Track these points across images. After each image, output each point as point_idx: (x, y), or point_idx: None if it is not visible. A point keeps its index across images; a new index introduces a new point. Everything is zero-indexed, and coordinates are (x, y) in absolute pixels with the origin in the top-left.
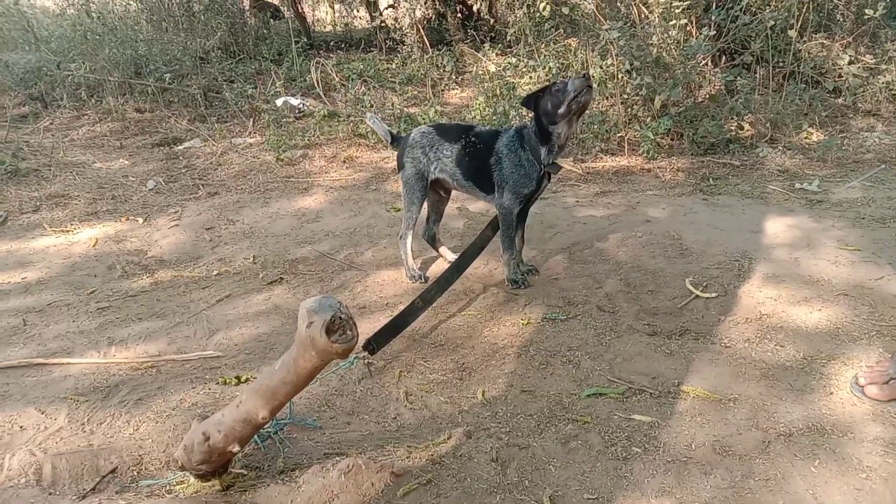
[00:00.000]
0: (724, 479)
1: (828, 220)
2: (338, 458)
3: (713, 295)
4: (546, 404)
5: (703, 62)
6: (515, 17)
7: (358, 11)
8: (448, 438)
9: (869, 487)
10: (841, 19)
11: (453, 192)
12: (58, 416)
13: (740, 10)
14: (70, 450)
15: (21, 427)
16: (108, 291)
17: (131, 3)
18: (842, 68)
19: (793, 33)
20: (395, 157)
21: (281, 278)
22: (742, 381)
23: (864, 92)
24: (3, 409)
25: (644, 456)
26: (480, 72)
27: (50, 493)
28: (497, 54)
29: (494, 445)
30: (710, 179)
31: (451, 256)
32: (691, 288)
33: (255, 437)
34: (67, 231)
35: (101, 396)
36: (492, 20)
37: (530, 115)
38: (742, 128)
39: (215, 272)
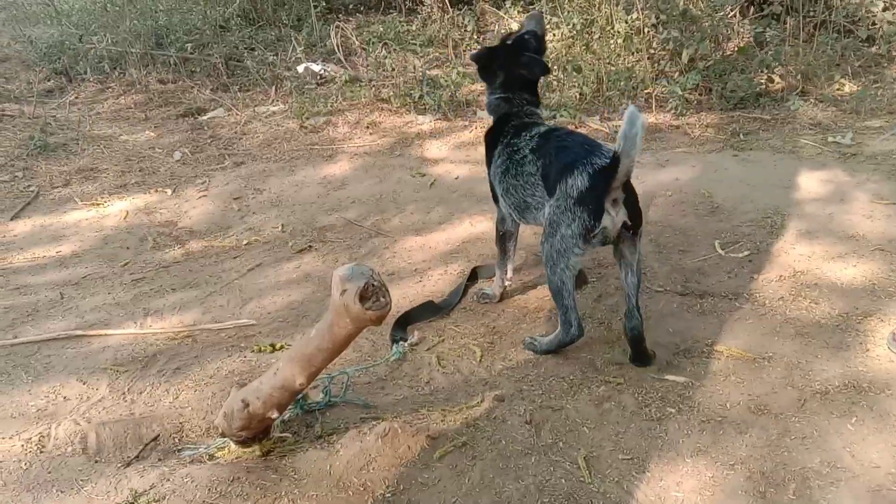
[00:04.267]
0: (759, 438)
1: (862, 174)
2: (374, 423)
3: (745, 253)
4: (578, 366)
5: (731, 14)
6: None
7: None
8: (481, 402)
9: None
10: None
11: None
12: (99, 386)
13: None
14: (113, 419)
15: (65, 398)
16: (142, 263)
17: None
18: (875, 15)
19: None
20: None
21: (310, 246)
22: (776, 340)
23: None
24: (47, 381)
25: (678, 416)
26: (503, 30)
27: (96, 461)
28: (519, 12)
29: (528, 408)
30: (741, 135)
31: None
32: (720, 251)
33: (299, 408)
34: (98, 204)
35: (139, 366)
36: None
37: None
38: (772, 80)
39: (245, 241)
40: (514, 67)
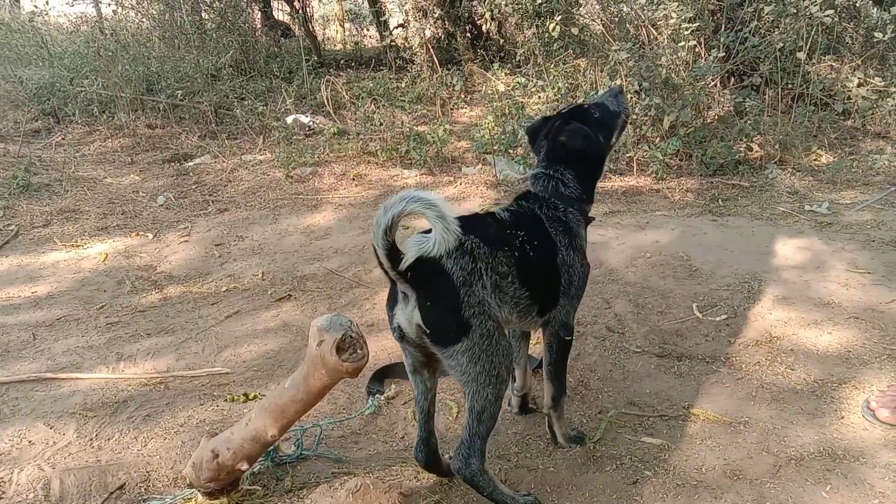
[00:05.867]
0: None
1: (838, 243)
2: (346, 478)
3: (723, 317)
4: None
5: (712, 83)
6: (525, 37)
7: (368, 30)
8: None
9: None
10: (850, 42)
11: None
12: (66, 431)
13: (749, 31)
14: (78, 465)
15: (30, 442)
16: (118, 307)
17: (144, 20)
18: (851, 90)
19: (802, 55)
20: None
21: (289, 295)
22: (753, 404)
23: (872, 114)
24: (13, 424)
25: (654, 479)
26: (489, 91)
27: None
28: (506, 74)
29: (503, 467)
30: (720, 200)
31: None
32: (698, 314)
33: (270, 460)
34: (78, 246)
35: (109, 412)
36: (501, 40)
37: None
38: (751, 149)
39: (224, 288)
40: (557, 136)
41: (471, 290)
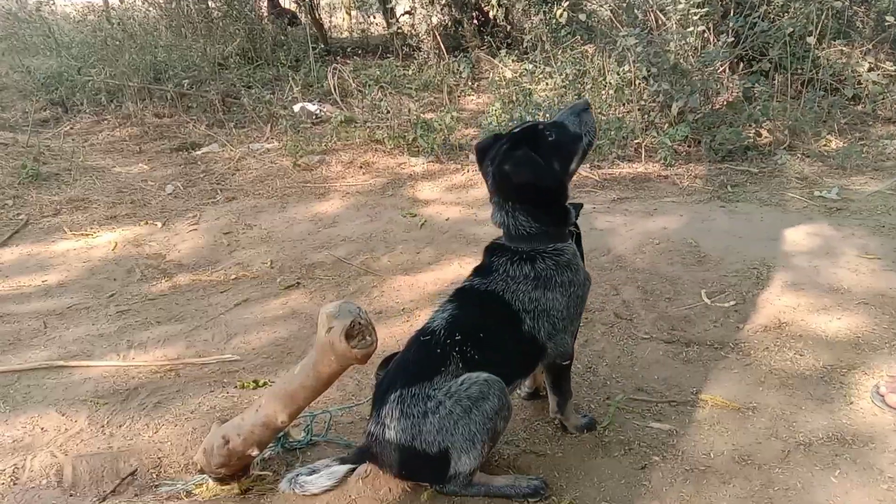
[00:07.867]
0: (743, 489)
1: (847, 229)
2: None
3: (731, 303)
4: None
5: (721, 69)
6: (532, 23)
7: (375, 18)
8: None
9: (891, 499)
10: (860, 26)
11: None
12: (78, 418)
13: (758, 16)
14: (90, 452)
15: (42, 429)
16: (128, 295)
17: (151, 9)
18: (861, 75)
19: (811, 40)
20: None
21: (298, 283)
22: (761, 390)
23: (883, 99)
24: (25, 411)
25: (662, 464)
26: (497, 78)
27: (70, 495)
28: (513, 60)
29: (512, 452)
30: (728, 186)
31: None
32: (706, 300)
33: (280, 446)
34: (87, 235)
35: (120, 399)
36: (508, 26)
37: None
38: (760, 135)
39: (233, 276)
40: (501, 164)
41: (423, 428)
